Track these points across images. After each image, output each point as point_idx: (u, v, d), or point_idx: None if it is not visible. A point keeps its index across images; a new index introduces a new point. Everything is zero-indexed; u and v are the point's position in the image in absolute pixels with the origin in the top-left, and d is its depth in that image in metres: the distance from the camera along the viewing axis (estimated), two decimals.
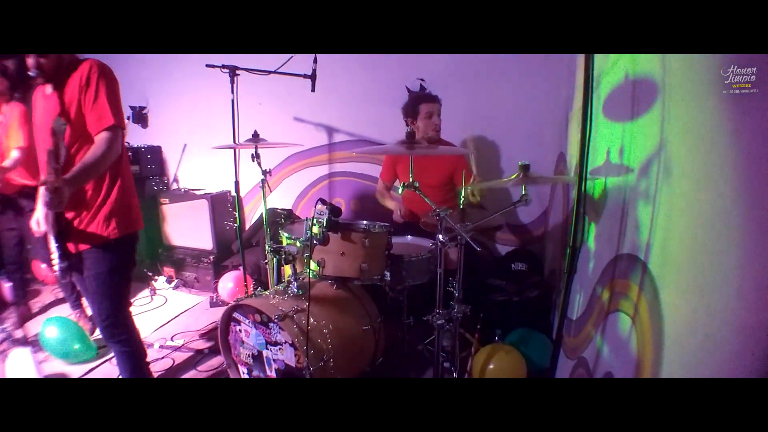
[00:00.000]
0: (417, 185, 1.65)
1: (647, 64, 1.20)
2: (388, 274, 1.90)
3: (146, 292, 3.35)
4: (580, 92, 1.43)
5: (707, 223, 0.86)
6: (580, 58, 1.29)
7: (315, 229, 1.79)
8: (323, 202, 1.79)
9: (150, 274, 3.50)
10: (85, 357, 2.35)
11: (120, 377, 1.85)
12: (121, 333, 1.72)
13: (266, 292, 1.99)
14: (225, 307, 1.95)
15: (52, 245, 1.57)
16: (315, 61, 2.50)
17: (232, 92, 2.43)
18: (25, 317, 2.82)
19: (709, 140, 0.86)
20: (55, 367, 2.31)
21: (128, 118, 3.88)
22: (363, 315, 2.02)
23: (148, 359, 1.84)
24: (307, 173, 3.53)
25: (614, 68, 1.52)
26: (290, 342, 1.75)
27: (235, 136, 2.47)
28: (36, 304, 3.14)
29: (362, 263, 1.86)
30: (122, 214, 1.65)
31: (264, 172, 2.34)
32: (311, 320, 1.77)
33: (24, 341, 2.25)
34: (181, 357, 2.43)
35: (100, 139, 1.52)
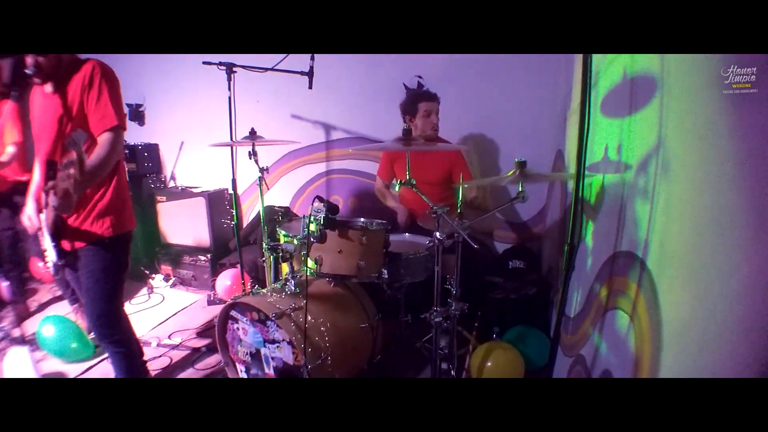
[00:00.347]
0: (414, 182, 1.65)
1: (646, 62, 1.20)
2: (385, 271, 1.89)
3: (144, 290, 3.34)
4: (578, 89, 1.43)
5: (705, 220, 0.86)
6: (579, 56, 1.29)
7: (312, 227, 1.79)
8: (320, 199, 1.79)
9: (147, 272, 3.49)
10: (82, 355, 2.35)
11: (116, 377, 1.84)
12: (114, 333, 1.72)
13: (264, 290, 1.98)
14: (222, 305, 1.95)
15: (47, 242, 1.56)
16: (312, 58, 2.49)
17: (229, 89, 2.42)
18: (23, 316, 2.81)
19: (709, 138, 0.86)
20: (53, 365, 2.30)
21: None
22: (361, 313, 2.02)
23: (146, 357, 1.84)
24: (304, 171, 3.52)
25: (612, 66, 1.52)
26: (288, 340, 1.75)
27: (233, 133, 2.46)
28: (33, 302, 3.13)
29: (360, 261, 1.86)
30: (117, 213, 1.66)
31: (261, 170, 2.34)
32: (309, 318, 1.76)
33: (21, 340, 2.24)
34: (178, 355, 2.43)
35: (104, 140, 1.53)
